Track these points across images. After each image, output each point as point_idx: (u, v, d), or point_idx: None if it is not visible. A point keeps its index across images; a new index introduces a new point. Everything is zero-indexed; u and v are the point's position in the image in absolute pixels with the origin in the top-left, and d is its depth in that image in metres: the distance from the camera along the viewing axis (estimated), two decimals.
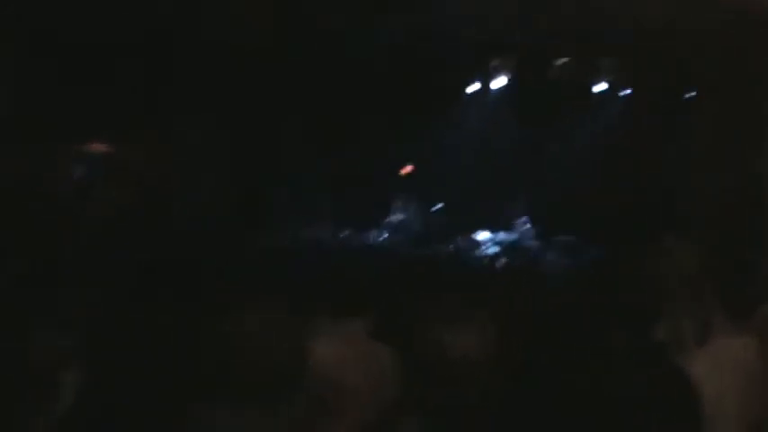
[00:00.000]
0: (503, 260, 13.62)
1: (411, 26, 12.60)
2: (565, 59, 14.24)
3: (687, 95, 12.43)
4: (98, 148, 12.64)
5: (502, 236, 14.75)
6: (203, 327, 2.44)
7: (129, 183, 12.30)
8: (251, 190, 13.86)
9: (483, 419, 2.70)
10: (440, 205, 15.36)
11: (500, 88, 15.25)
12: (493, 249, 14.43)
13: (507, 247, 14.50)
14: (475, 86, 15.72)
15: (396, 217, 15.34)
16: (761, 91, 11.13)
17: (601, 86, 14.69)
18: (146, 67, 12.14)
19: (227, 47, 12.52)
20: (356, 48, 13.59)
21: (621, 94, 14.61)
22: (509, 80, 15.04)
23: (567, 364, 3.17)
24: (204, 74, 12.71)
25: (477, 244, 14.61)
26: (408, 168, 16.30)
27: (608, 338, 3.18)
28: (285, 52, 13.23)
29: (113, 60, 11.63)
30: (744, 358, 3.63)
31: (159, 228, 10.95)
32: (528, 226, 14.78)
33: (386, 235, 15.00)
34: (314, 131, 14.98)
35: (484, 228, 14.87)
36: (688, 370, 3.20)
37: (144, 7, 11.02)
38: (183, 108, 12.92)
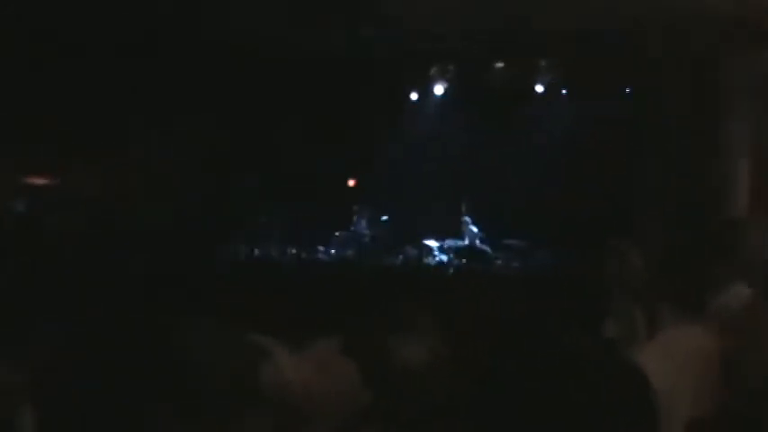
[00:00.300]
0: (455, 267, 13.69)
1: (354, 38, 12.66)
2: (507, 63, 14.35)
3: (636, 97, 12.55)
4: (46, 175, 12.48)
5: (452, 242, 14.80)
6: (161, 347, 2.43)
7: (81, 206, 12.15)
8: (206, 206, 13.75)
9: (443, 425, 2.72)
10: (386, 217, 15.38)
11: (444, 94, 15.35)
12: (444, 257, 14.49)
13: (458, 254, 14.57)
14: (419, 94, 15.83)
15: (346, 230, 15.34)
16: (713, 92, 11.29)
17: (546, 89, 14.81)
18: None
19: (178, 64, 12.47)
20: (300, 62, 13.65)
21: (570, 97, 14.72)
22: (453, 86, 15.14)
23: (520, 366, 3.20)
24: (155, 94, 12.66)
25: (429, 251, 14.65)
26: (353, 181, 16.33)
27: (558, 339, 3.22)
28: (236, 68, 13.25)
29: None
30: (697, 349, 3.70)
31: (117, 250, 10.82)
32: (477, 231, 14.85)
33: (335, 249, 15.00)
34: (261, 147, 14.98)
35: (435, 235, 14.91)
36: (639, 365, 3.25)
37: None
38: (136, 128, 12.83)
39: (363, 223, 15.31)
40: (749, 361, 3.61)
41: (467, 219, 14.88)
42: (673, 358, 3.48)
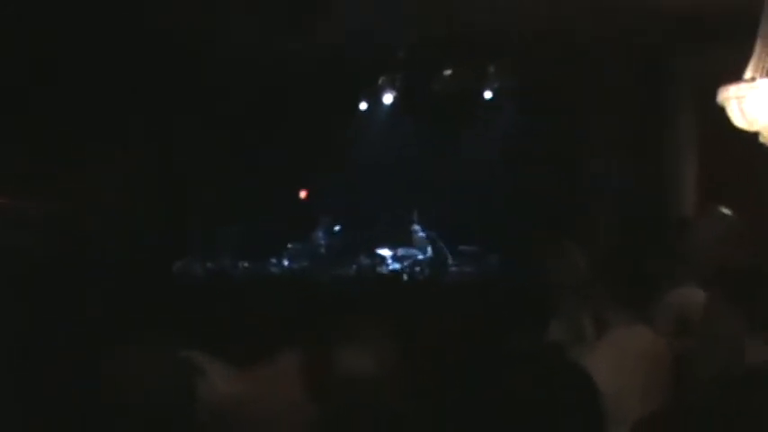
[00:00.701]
0: (406, 275, 13.68)
1: (302, 49, 12.61)
2: (453, 69, 14.39)
3: (582, 98, 12.61)
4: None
5: (403, 251, 14.80)
6: (98, 363, 2.36)
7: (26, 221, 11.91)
8: (157, 219, 13.56)
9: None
10: (338, 227, 15.36)
11: (393, 103, 15.36)
12: (396, 265, 14.47)
13: (410, 262, 14.57)
14: (368, 103, 15.83)
15: (299, 242, 15.28)
16: (660, 91, 11.39)
17: (492, 93, 14.86)
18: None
19: (125, 76, 12.30)
20: (249, 74, 13.58)
21: (514, 100, 14.75)
22: (401, 95, 15.16)
23: (467, 372, 3.17)
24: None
25: (381, 260, 14.64)
26: (304, 193, 16.28)
27: (504, 343, 3.20)
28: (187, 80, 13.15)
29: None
30: (645, 349, 3.70)
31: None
32: (427, 237, 14.87)
33: (287, 262, 14.93)
34: (211, 158, 14.87)
35: (386, 244, 14.89)
36: (585, 367, 3.23)
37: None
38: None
39: (320, 234, 15.25)
40: (700, 358, 3.62)
41: (418, 227, 14.89)
42: (620, 359, 3.49)
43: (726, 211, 4.39)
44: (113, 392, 2.14)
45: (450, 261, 14.49)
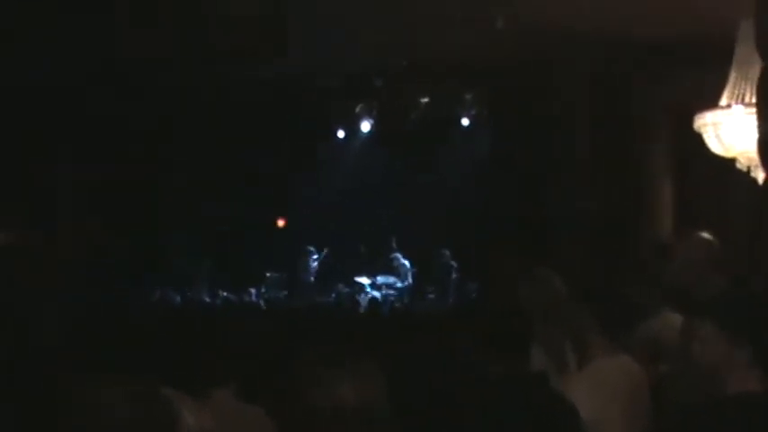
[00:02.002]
0: (383, 304, 13.60)
1: (278, 78, 12.61)
2: (431, 97, 14.43)
3: (556, 123, 12.64)
4: None
5: (382, 279, 14.76)
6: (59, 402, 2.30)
7: None
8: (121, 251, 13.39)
9: None
10: (316, 255, 15.31)
11: (371, 131, 15.37)
12: (375, 293, 14.41)
13: (387, 290, 14.52)
14: (344, 130, 15.84)
15: (276, 271, 15.21)
16: (634, 116, 11.42)
17: (468, 120, 14.90)
18: None
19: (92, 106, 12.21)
20: (226, 101, 13.57)
21: (486, 125, 14.78)
22: (379, 122, 15.18)
23: (450, 402, 3.14)
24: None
25: (361, 288, 14.57)
26: (282, 221, 16.23)
27: (486, 371, 3.16)
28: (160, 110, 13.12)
29: None
30: (626, 377, 3.68)
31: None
32: (406, 264, 14.84)
33: (265, 290, 14.85)
34: (187, 190, 14.80)
35: (363, 272, 14.84)
36: (568, 395, 3.20)
37: None
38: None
39: (299, 262, 15.20)
40: (680, 385, 3.59)
41: (397, 255, 14.87)
42: (602, 387, 3.46)
43: (706, 235, 4.37)
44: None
45: (429, 289, 14.45)
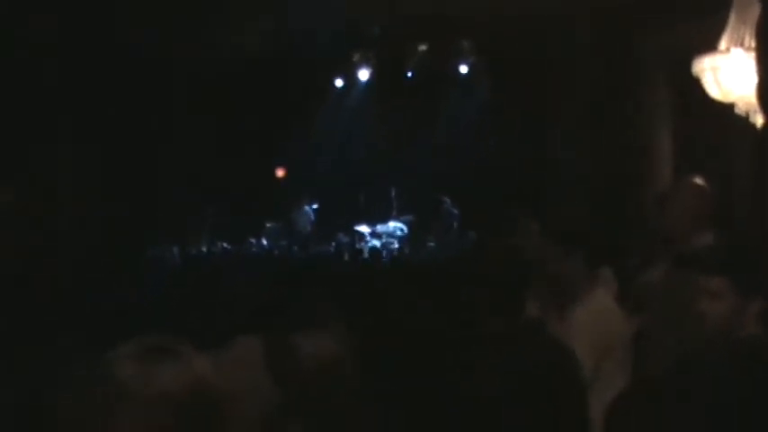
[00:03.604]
0: (383, 253, 13.63)
1: (275, 29, 12.51)
2: (428, 44, 14.32)
3: (555, 74, 12.54)
4: None
5: (382, 228, 14.75)
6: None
7: None
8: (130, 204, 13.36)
9: (364, 418, 2.63)
10: (315, 205, 15.31)
11: (369, 80, 15.30)
12: (375, 242, 14.42)
13: (386, 240, 14.53)
14: (343, 81, 15.77)
15: (276, 221, 15.22)
16: (630, 69, 11.32)
17: (467, 68, 14.81)
18: None
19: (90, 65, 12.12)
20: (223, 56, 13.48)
21: (490, 78, 14.69)
22: (377, 71, 15.10)
23: (448, 355, 3.14)
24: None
25: (360, 237, 14.59)
26: (282, 171, 16.20)
27: (485, 323, 3.16)
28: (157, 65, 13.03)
29: None
30: (616, 327, 3.71)
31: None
32: (401, 217, 14.86)
33: (265, 241, 14.87)
34: (186, 140, 14.74)
35: (363, 221, 14.84)
36: (564, 341, 3.22)
37: None
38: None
39: (298, 212, 15.20)
40: (665, 336, 3.59)
41: (393, 204, 14.89)
42: (592, 335, 3.48)
43: (698, 180, 4.28)
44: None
45: (428, 238, 14.47)
